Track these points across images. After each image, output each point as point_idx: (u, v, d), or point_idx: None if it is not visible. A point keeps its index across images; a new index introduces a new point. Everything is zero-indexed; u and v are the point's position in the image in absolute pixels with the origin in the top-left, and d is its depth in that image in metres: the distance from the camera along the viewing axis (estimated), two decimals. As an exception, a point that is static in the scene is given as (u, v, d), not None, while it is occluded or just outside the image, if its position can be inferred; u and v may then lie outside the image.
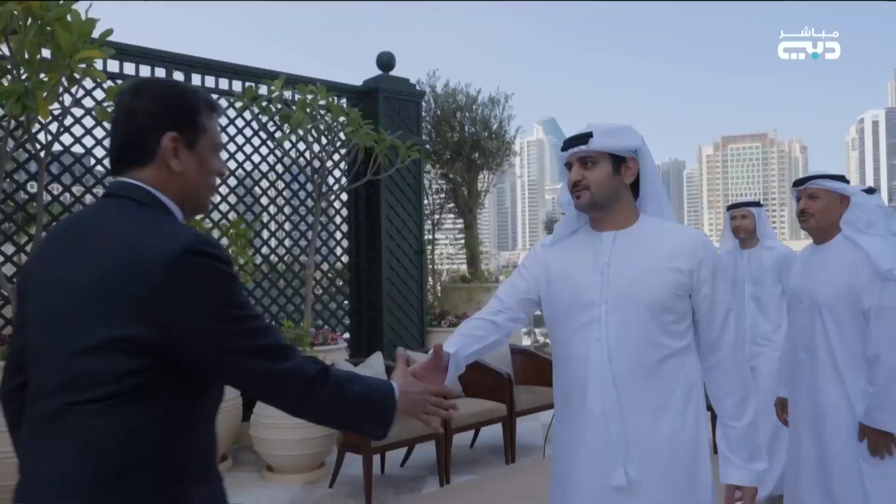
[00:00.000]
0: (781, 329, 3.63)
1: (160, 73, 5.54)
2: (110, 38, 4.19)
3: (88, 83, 5.02)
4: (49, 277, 1.28)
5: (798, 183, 2.86)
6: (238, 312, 1.23)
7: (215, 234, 5.69)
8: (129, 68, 5.38)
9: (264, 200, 6.38)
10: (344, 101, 6.61)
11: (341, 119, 5.75)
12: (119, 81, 4.87)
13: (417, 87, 7.32)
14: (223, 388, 1.36)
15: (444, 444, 4.58)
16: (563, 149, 1.92)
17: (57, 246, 1.31)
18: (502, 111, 8.29)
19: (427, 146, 7.68)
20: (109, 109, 4.22)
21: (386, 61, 6.89)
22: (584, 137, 1.85)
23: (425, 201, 7.84)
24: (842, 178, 2.79)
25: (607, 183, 1.85)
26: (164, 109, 1.32)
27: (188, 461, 1.25)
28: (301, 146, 6.31)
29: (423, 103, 7.60)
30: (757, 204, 4.04)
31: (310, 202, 6.45)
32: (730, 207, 4.12)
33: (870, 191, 3.16)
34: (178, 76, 5.63)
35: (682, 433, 1.79)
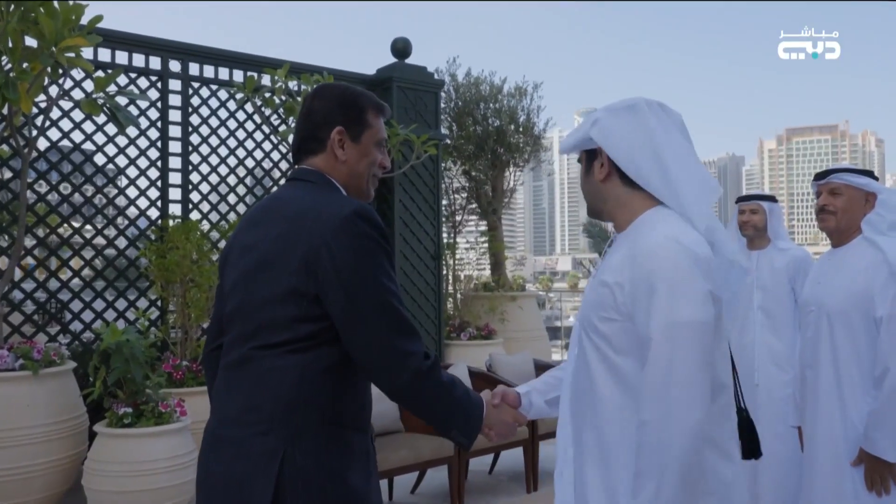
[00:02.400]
0: (797, 348, 3.30)
1: (155, 62, 5.65)
2: (101, 25, 4.28)
3: (80, 74, 5.14)
4: (240, 247, 1.69)
5: (819, 177, 2.75)
6: (380, 276, 1.56)
7: (214, 235, 5.77)
8: (121, 57, 5.48)
9: (267, 200, 6.45)
10: (355, 91, 6.66)
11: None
12: (110, 71, 4.98)
13: (436, 76, 7.35)
14: None
15: (458, 470, 4.58)
16: None
17: (248, 223, 1.73)
18: (530, 102, 8.28)
19: (447, 140, 7.71)
20: (100, 101, 4.31)
21: (401, 48, 6.92)
22: None
23: (444, 201, 7.86)
24: (870, 174, 2.67)
25: (586, 186, 1.77)
26: (336, 108, 1.72)
27: (345, 409, 1.61)
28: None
29: (443, 94, 7.62)
30: (771, 198, 3.85)
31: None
32: (739, 200, 3.96)
33: None
34: (175, 65, 5.74)
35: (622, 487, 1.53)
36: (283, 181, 6.45)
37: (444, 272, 7.45)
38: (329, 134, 1.70)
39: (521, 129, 8.18)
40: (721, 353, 1.60)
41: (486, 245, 8.18)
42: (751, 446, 1.70)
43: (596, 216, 1.82)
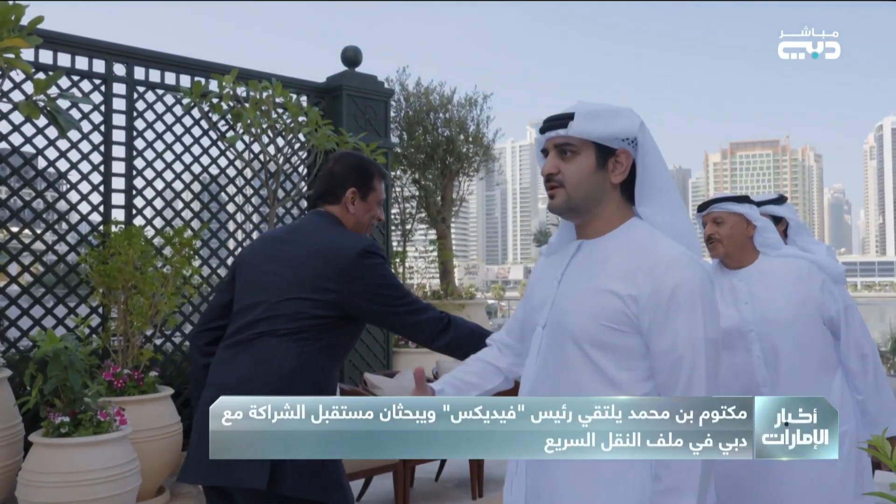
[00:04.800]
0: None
1: (99, 65, 5.54)
2: (43, 27, 4.18)
3: (20, 75, 5.01)
4: (265, 255, 2.24)
5: (701, 208, 2.88)
6: (395, 292, 2.19)
7: (157, 241, 5.67)
8: (64, 59, 5.36)
9: (214, 207, 6.37)
10: (304, 99, 6.64)
11: (301, 119, 5.77)
12: (51, 73, 4.87)
13: (386, 85, 7.36)
14: (355, 339, 2.29)
15: (403, 477, 4.58)
16: (542, 130, 1.66)
17: (273, 239, 2.29)
18: (480, 112, 8.35)
19: (397, 149, 7.73)
20: (40, 104, 4.21)
21: (351, 57, 6.92)
22: (565, 119, 1.60)
23: (394, 209, 7.87)
24: (745, 200, 2.79)
25: (587, 180, 1.59)
26: (352, 173, 2.33)
27: (328, 384, 2.16)
28: (256, 148, 6.32)
29: (393, 103, 7.65)
30: None
31: (265, 209, 6.45)
32: None
33: (781, 200, 3.18)
34: (119, 69, 5.63)
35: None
36: (230, 187, 6.41)
37: (394, 280, 7.44)
38: (345, 192, 2.31)
39: (470, 139, 8.25)
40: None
41: (435, 253, 8.21)
42: None
43: (570, 213, 1.65)
